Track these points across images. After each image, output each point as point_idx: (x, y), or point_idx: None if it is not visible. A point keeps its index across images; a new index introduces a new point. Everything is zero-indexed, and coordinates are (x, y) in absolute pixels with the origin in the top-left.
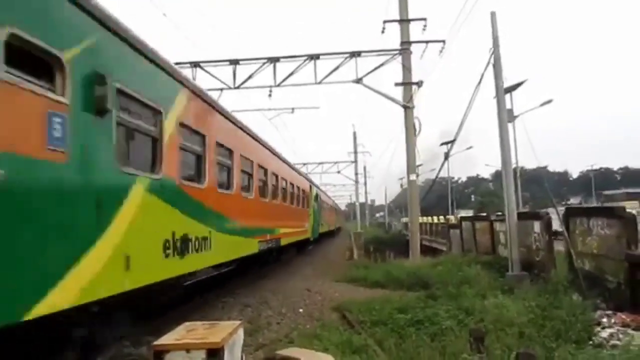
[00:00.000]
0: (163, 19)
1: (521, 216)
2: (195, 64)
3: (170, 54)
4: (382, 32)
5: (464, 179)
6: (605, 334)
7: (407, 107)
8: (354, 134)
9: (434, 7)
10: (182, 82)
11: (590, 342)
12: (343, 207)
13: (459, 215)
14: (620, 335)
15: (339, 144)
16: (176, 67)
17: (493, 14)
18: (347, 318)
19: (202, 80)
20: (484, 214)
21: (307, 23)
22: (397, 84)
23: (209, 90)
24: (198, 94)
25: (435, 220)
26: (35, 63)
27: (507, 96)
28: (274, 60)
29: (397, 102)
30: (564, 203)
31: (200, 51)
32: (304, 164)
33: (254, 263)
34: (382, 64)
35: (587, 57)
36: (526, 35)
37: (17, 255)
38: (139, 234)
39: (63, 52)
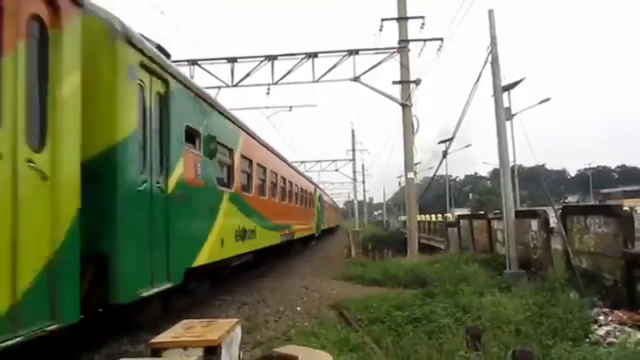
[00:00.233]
0: (161, 17)
1: (519, 214)
2: (193, 62)
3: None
4: (380, 30)
5: (461, 177)
6: (602, 331)
7: (405, 105)
8: (352, 132)
9: (432, 6)
10: (242, 127)
11: (587, 340)
12: (341, 205)
13: (454, 214)
14: (617, 333)
15: (337, 142)
16: (238, 118)
17: (491, 12)
18: (344, 316)
19: (200, 78)
20: (482, 212)
21: (305, 21)
22: (394, 82)
23: (207, 88)
24: (249, 132)
25: (433, 219)
26: (192, 137)
27: (505, 94)
28: (272, 58)
29: (395, 100)
30: (561, 201)
31: (199, 49)
32: (302, 162)
33: (272, 253)
34: (380, 62)
35: (584, 56)
36: (524, 34)
37: (188, 236)
38: (226, 226)
39: (200, 128)
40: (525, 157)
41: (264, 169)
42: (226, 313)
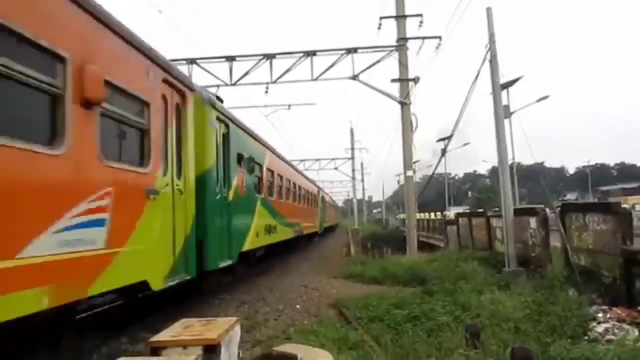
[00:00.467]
0: (159, 16)
1: (517, 212)
2: (192, 61)
3: (166, 51)
4: (379, 28)
5: (460, 175)
6: (600, 328)
7: (404, 104)
8: (351, 130)
9: (430, 4)
10: (267, 146)
11: (586, 337)
12: (340, 204)
13: (451, 213)
14: (616, 330)
15: (336, 140)
16: (265, 139)
17: (489, 10)
18: (344, 314)
19: (199, 77)
20: (481, 210)
21: (304, 20)
22: (393, 80)
23: (206, 86)
24: (272, 150)
25: (433, 217)
26: (240, 159)
27: (504, 92)
28: (270, 56)
29: (394, 98)
30: (560, 199)
31: (197, 48)
32: (302, 161)
33: (284, 247)
34: (378, 61)
35: (583, 54)
36: (522, 31)
37: (240, 230)
38: (259, 223)
39: (244, 152)
40: (524, 155)
41: (281, 177)
42: (225, 312)
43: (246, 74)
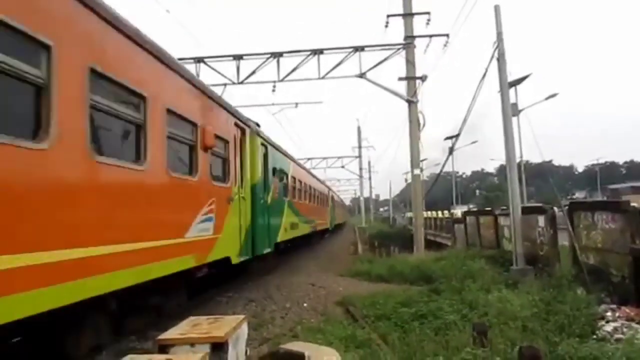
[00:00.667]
0: (167, 15)
1: (525, 210)
2: (199, 60)
3: (173, 50)
4: (386, 26)
5: (468, 173)
6: (609, 327)
7: (411, 102)
8: (358, 128)
9: (438, 1)
10: (291, 158)
11: (594, 336)
12: (347, 202)
13: (457, 211)
14: (625, 329)
15: (343, 139)
16: (290, 153)
17: (497, 8)
18: (351, 312)
19: (206, 76)
20: (489, 209)
21: (311, 18)
22: (400, 79)
23: (213, 85)
24: (294, 160)
25: (440, 215)
26: (274, 171)
27: (512, 90)
28: (277, 55)
29: (401, 96)
30: (569, 197)
31: (204, 47)
32: (309, 159)
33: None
34: (385, 59)
35: (592, 52)
36: (531, 28)
37: (275, 225)
38: (287, 221)
39: (277, 166)
40: (532, 153)
41: (301, 182)
42: (233, 310)
43: (253, 72)
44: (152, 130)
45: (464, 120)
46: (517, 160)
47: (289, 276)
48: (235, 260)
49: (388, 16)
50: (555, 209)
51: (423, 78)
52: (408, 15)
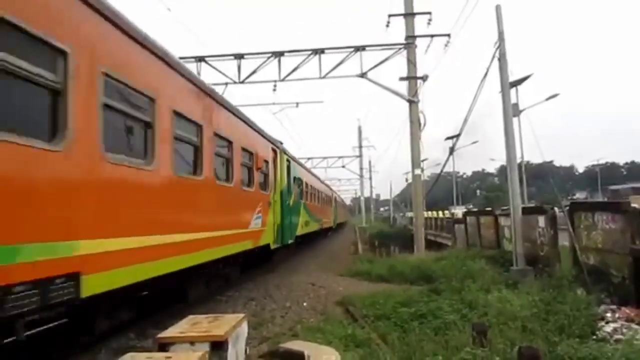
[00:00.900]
0: (168, 13)
1: (526, 211)
2: (200, 59)
3: (175, 49)
4: (387, 26)
5: (469, 173)
6: (609, 328)
7: (412, 102)
8: (359, 128)
9: (439, 1)
10: (305, 167)
11: (594, 337)
12: (348, 202)
13: (457, 212)
14: (624, 330)
15: (344, 138)
16: (303, 162)
17: (498, 8)
18: (350, 312)
19: (207, 75)
20: (489, 209)
21: (312, 18)
22: (401, 78)
23: (214, 84)
24: (307, 169)
25: (440, 215)
26: (294, 179)
27: (513, 90)
28: (278, 54)
29: (402, 96)
30: (569, 198)
31: (205, 46)
32: (309, 159)
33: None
34: (386, 58)
35: (593, 52)
36: (532, 28)
37: (295, 222)
38: (303, 219)
39: (296, 174)
40: (533, 153)
41: (312, 186)
42: (233, 308)
43: (254, 71)
44: (236, 162)
45: (465, 120)
46: (518, 160)
47: (289, 275)
48: (272, 246)
49: (389, 16)
50: (556, 209)
51: (424, 78)
52: (409, 15)
